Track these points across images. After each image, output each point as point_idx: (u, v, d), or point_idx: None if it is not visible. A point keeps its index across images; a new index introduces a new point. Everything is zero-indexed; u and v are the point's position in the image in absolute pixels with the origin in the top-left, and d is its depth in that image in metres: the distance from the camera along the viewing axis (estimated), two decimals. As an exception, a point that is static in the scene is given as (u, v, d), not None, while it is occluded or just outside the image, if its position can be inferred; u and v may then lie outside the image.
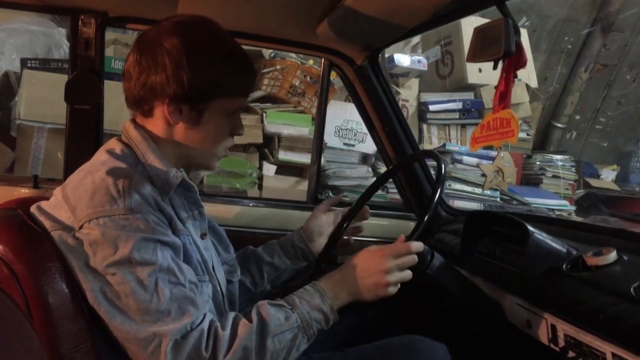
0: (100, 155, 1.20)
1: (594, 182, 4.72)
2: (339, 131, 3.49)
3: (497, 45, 1.24)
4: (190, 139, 1.21)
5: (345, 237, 1.61)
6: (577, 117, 5.46)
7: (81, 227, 1.08)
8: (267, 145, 3.34)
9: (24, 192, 1.82)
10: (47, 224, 1.14)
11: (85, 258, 1.08)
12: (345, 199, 3.14)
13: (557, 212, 3.94)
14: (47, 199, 1.22)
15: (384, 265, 1.21)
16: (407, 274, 1.24)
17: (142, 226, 1.07)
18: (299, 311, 1.14)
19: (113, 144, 1.22)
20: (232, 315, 1.12)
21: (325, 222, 1.61)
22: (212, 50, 1.15)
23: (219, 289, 1.30)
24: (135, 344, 1.04)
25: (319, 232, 1.59)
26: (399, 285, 1.23)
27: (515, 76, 1.30)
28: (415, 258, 1.25)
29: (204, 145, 1.22)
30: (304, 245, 1.57)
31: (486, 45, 1.29)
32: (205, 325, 1.07)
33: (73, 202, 1.11)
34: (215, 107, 1.18)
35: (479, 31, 1.32)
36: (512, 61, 1.27)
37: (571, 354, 1.20)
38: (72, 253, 1.10)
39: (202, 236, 1.29)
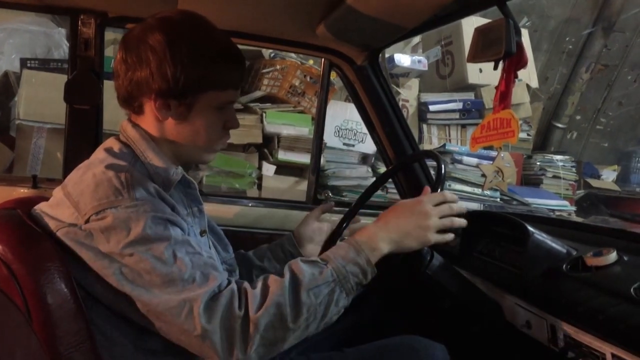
0: (99, 154, 1.19)
1: (594, 183, 4.72)
2: (338, 131, 3.49)
3: (498, 46, 1.24)
4: (182, 134, 1.20)
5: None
6: (578, 117, 5.46)
7: (88, 221, 1.07)
8: (267, 145, 3.34)
9: (23, 192, 1.81)
10: (51, 224, 1.13)
11: (98, 247, 1.07)
12: (345, 199, 3.14)
13: (557, 213, 3.94)
14: (47, 198, 1.22)
15: (423, 209, 1.18)
16: (449, 221, 1.21)
17: (150, 208, 1.07)
18: (333, 265, 1.10)
19: (111, 142, 1.22)
20: (262, 275, 1.10)
21: (317, 229, 1.60)
22: (196, 43, 1.14)
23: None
24: (168, 314, 1.03)
25: (310, 238, 1.58)
26: (442, 235, 1.20)
27: (516, 76, 1.30)
28: (453, 207, 1.22)
29: (196, 140, 1.21)
30: (294, 250, 1.56)
31: (487, 46, 1.29)
32: (234, 285, 1.05)
33: (75, 198, 1.10)
34: (204, 101, 1.17)
35: (479, 31, 1.32)
36: (513, 61, 1.27)
37: (571, 354, 1.20)
38: (83, 246, 1.09)
39: (202, 233, 1.29)
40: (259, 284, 1.06)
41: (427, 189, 1.27)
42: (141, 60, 1.13)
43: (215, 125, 1.22)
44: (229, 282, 1.06)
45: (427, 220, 1.18)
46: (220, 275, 1.07)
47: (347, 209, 1.64)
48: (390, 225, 1.18)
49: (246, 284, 1.07)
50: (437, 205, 1.21)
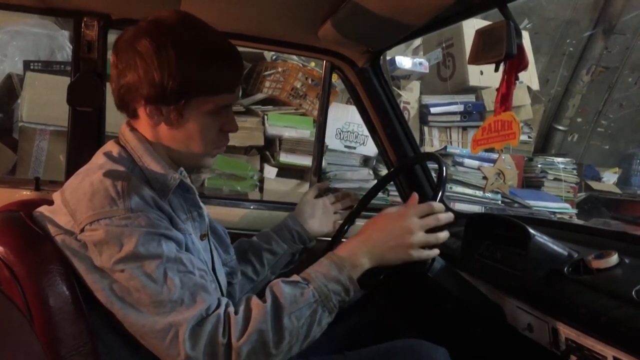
0: (98, 158, 1.19)
1: (595, 185, 4.72)
2: (340, 133, 3.50)
3: (499, 48, 1.24)
4: (176, 139, 1.19)
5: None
6: (579, 119, 5.46)
7: (82, 230, 1.08)
8: (268, 148, 3.34)
9: (26, 194, 1.82)
10: (50, 228, 1.14)
11: (91, 260, 1.08)
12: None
13: (559, 215, 3.94)
14: (49, 201, 1.22)
15: (406, 224, 1.17)
16: (434, 237, 1.19)
17: (144, 222, 1.07)
18: (314, 285, 1.09)
19: (110, 146, 1.22)
20: (245, 297, 1.09)
21: (314, 205, 1.62)
22: (184, 47, 1.11)
23: (219, 291, 1.29)
24: (153, 336, 1.03)
25: (310, 214, 1.60)
26: (425, 250, 1.19)
27: (517, 78, 1.30)
28: (439, 218, 1.20)
29: (191, 144, 1.19)
30: (300, 228, 1.57)
31: (488, 48, 1.29)
32: (222, 310, 1.05)
33: (72, 206, 1.10)
34: (196, 106, 1.15)
35: (480, 33, 1.32)
36: (514, 64, 1.27)
37: (572, 357, 1.19)
38: (77, 256, 1.10)
39: (202, 237, 1.29)
40: (242, 309, 1.06)
41: (414, 197, 1.25)
42: (129, 66, 1.12)
43: (210, 129, 1.19)
44: (217, 306, 1.06)
45: (410, 237, 1.17)
46: (209, 297, 1.06)
47: (349, 211, 1.65)
48: (371, 240, 1.17)
49: (230, 309, 1.06)
50: (423, 217, 1.20)
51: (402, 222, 1.18)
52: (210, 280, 1.13)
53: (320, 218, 1.61)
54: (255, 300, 1.07)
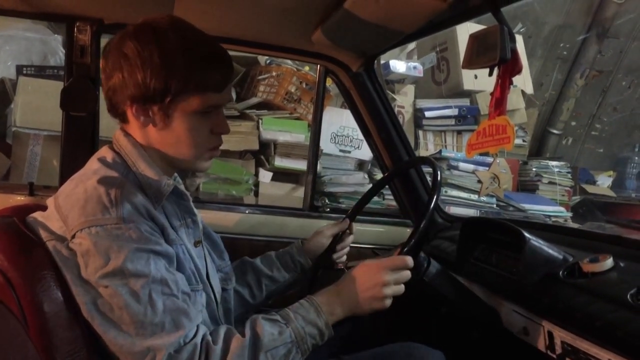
0: (92, 164, 1.19)
1: (590, 189, 4.74)
2: (334, 138, 3.50)
3: (493, 52, 1.24)
4: (166, 142, 1.18)
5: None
6: (573, 123, 5.48)
7: (73, 237, 1.07)
8: (263, 152, 3.34)
9: (20, 199, 1.81)
10: (43, 234, 1.14)
11: (78, 270, 1.08)
12: (342, 205, 3.14)
13: (554, 219, 3.95)
14: (43, 206, 1.22)
15: (381, 278, 1.18)
16: (401, 288, 1.22)
17: (135, 236, 1.06)
18: (293, 326, 1.12)
19: (104, 152, 1.21)
20: (224, 328, 1.11)
21: (326, 244, 1.61)
22: (168, 47, 1.11)
23: (213, 297, 1.29)
24: (130, 357, 1.04)
25: (320, 251, 1.60)
26: (391, 298, 1.22)
27: (511, 83, 1.30)
28: (409, 274, 1.23)
29: (181, 147, 1.19)
30: (304, 261, 1.57)
31: (482, 52, 1.29)
32: (199, 339, 1.06)
33: (65, 212, 1.10)
34: (183, 106, 1.14)
35: (474, 38, 1.32)
36: (508, 68, 1.27)
37: (568, 360, 1.20)
38: (66, 264, 1.09)
39: (196, 244, 1.28)
40: (221, 340, 1.07)
41: (398, 250, 1.27)
42: (115, 68, 1.13)
43: (199, 130, 1.18)
44: (195, 334, 1.06)
45: (381, 291, 1.19)
46: (189, 323, 1.06)
47: (343, 216, 1.65)
48: (347, 291, 1.19)
49: (209, 338, 1.07)
50: (398, 269, 1.21)
51: (377, 276, 1.19)
52: (193, 302, 1.12)
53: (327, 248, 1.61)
54: (234, 334, 1.09)
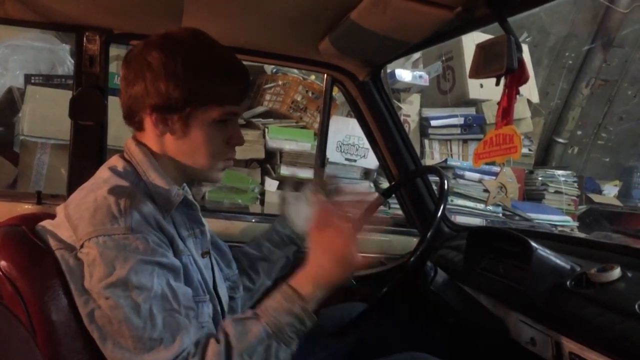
0: (103, 173, 1.20)
1: (596, 198, 4.72)
2: (340, 146, 3.50)
3: (500, 62, 1.24)
4: (182, 150, 1.20)
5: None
6: (579, 132, 5.47)
7: (82, 246, 1.08)
8: (269, 161, 3.34)
9: (27, 208, 1.82)
10: (51, 242, 1.14)
11: (82, 280, 1.08)
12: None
13: (560, 228, 3.93)
14: (51, 215, 1.22)
15: (341, 240, 1.10)
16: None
17: (142, 247, 1.07)
18: (266, 319, 1.07)
19: (115, 161, 1.22)
20: (203, 337, 1.08)
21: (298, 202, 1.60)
22: (192, 59, 1.13)
23: (219, 308, 1.28)
24: None
25: (296, 212, 1.57)
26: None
27: (518, 92, 1.30)
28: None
29: (196, 156, 1.20)
30: (289, 230, 1.55)
31: (488, 62, 1.29)
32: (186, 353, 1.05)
33: (75, 221, 1.11)
34: (201, 116, 1.16)
35: (481, 48, 1.33)
36: (515, 77, 1.27)
37: (576, 371, 1.19)
38: (71, 274, 1.10)
39: (203, 255, 1.28)
40: (199, 350, 1.05)
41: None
42: (138, 77, 1.15)
43: (215, 140, 1.20)
44: (196, 347, 1.06)
45: (346, 250, 1.10)
46: (189, 339, 1.05)
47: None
48: (315, 265, 1.12)
49: (191, 351, 1.05)
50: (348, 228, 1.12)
51: (331, 240, 1.11)
52: (193, 317, 1.11)
53: (306, 215, 1.56)
54: (211, 341, 1.06)
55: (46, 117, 2.81)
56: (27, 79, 3.15)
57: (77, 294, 1.09)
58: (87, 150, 1.81)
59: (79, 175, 1.74)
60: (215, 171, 1.24)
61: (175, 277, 1.11)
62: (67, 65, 3.28)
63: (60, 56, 3.30)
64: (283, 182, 3.29)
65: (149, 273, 1.06)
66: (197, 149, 1.19)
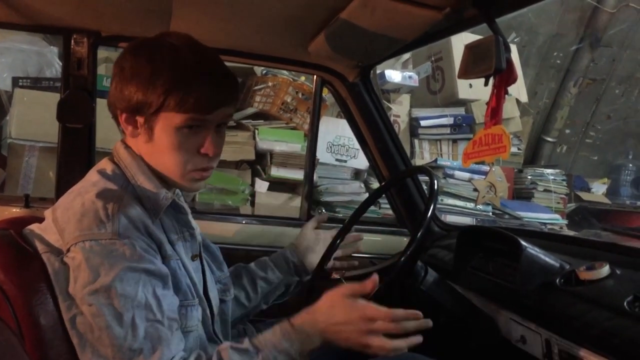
0: (92, 176, 1.19)
1: (584, 196, 4.74)
2: (331, 147, 3.50)
3: (488, 62, 1.24)
4: (152, 154, 1.18)
5: (340, 254, 1.62)
6: (567, 131, 5.50)
7: (68, 250, 1.08)
8: (259, 162, 3.34)
9: (16, 211, 1.80)
10: (39, 246, 1.14)
11: (66, 284, 1.08)
12: (338, 215, 3.14)
13: (549, 226, 3.95)
14: (39, 218, 1.22)
15: (367, 326, 1.09)
16: (395, 344, 1.09)
17: (128, 253, 1.06)
18: (263, 355, 1.08)
19: (104, 163, 1.22)
20: (194, 356, 1.09)
21: (314, 239, 1.63)
22: (160, 64, 1.11)
23: (208, 312, 1.28)
24: None
25: (310, 248, 1.61)
26: (394, 341, 1.09)
27: (507, 92, 1.31)
28: (408, 326, 1.11)
29: (164, 161, 1.17)
30: (297, 260, 1.57)
31: (477, 62, 1.30)
32: None
33: (62, 225, 1.10)
34: (163, 122, 1.13)
35: (469, 48, 1.33)
36: (503, 78, 1.28)
37: (566, 369, 1.20)
38: (56, 278, 1.10)
39: (193, 258, 1.28)
40: None
41: (374, 280, 1.13)
42: (114, 79, 1.17)
43: (182, 147, 1.15)
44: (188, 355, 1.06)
45: (365, 338, 1.08)
46: (169, 352, 1.05)
47: (340, 225, 1.65)
48: (324, 322, 1.11)
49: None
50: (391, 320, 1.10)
51: (362, 321, 1.09)
52: (176, 329, 1.10)
53: (319, 252, 1.60)
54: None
55: (34, 120, 2.80)
56: (15, 81, 3.13)
57: (60, 299, 1.09)
58: (75, 153, 1.80)
59: (67, 178, 1.73)
60: (188, 180, 1.20)
61: (163, 285, 1.10)
62: (55, 67, 3.26)
63: (48, 59, 3.28)
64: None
65: (134, 281, 1.05)
66: (164, 154, 1.17)
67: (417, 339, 1.11)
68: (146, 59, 1.13)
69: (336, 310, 1.11)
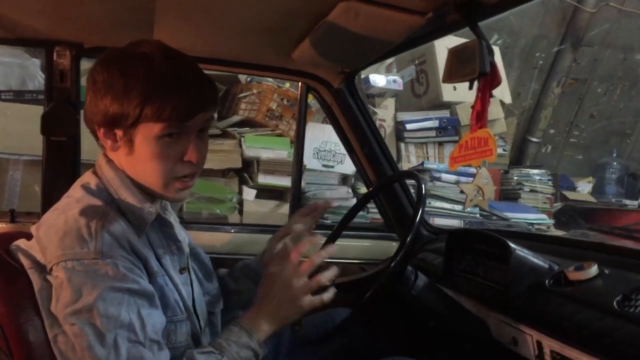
0: (76, 192, 1.17)
1: (571, 195, 4.78)
2: (317, 153, 3.50)
3: (472, 66, 1.25)
4: (134, 166, 1.16)
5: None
6: (552, 131, 5.55)
7: (51, 270, 1.06)
8: (247, 170, 3.33)
9: (1, 227, 1.78)
10: (24, 262, 1.12)
11: (49, 303, 1.07)
12: (327, 221, 3.14)
13: (537, 226, 3.97)
14: (25, 233, 1.20)
15: (283, 278, 1.20)
16: (315, 281, 1.20)
17: (112, 272, 1.04)
18: (228, 354, 1.13)
19: (88, 177, 1.20)
20: None
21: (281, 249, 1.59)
22: (132, 74, 1.09)
23: (197, 326, 1.27)
24: None
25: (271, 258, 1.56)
26: (316, 296, 1.21)
27: (491, 95, 1.31)
28: (313, 260, 1.21)
29: (147, 172, 1.15)
30: (261, 271, 1.53)
31: (461, 67, 1.30)
32: None
33: (45, 243, 1.09)
34: (142, 132, 1.10)
35: (453, 52, 1.34)
36: (487, 81, 1.28)
37: (558, 370, 1.20)
38: (40, 295, 1.09)
39: (181, 271, 1.26)
40: None
41: (295, 252, 1.23)
42: (87, 93, 1.14)
43: (164, 156, 1.13)
44: None
45: (289, 291, 1.19)
46: None
47: (329, 232, 1.65)
48: (265, 304, 1.21)
49: None
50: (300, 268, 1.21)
51: (280, 278, 1.21)
52: (158, 350, 1.08)
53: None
54: None
55: (18, 133, 2.77)
56: (-3, 95, 3.10)
57: (44, 316, 1.08)
58: (60, 166, 1.79)
59: (53, 191, 1.72)
60: (171, 190, 1.18)
61: (148, 304, 1.09)
62: (38, 80, 3.24)
63: (30, 71, 3.25)
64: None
65: (117, 301, 1.04)
66: (146, 164, 1.14)
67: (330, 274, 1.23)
68: (119, 70, 1.10)
69: (266, 287, 1.23)
